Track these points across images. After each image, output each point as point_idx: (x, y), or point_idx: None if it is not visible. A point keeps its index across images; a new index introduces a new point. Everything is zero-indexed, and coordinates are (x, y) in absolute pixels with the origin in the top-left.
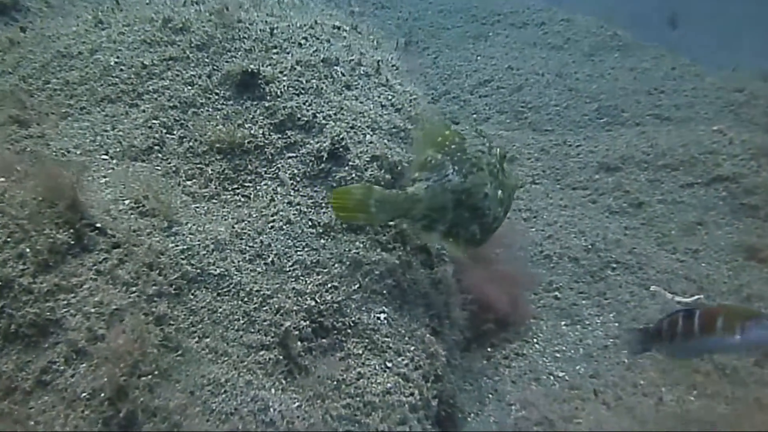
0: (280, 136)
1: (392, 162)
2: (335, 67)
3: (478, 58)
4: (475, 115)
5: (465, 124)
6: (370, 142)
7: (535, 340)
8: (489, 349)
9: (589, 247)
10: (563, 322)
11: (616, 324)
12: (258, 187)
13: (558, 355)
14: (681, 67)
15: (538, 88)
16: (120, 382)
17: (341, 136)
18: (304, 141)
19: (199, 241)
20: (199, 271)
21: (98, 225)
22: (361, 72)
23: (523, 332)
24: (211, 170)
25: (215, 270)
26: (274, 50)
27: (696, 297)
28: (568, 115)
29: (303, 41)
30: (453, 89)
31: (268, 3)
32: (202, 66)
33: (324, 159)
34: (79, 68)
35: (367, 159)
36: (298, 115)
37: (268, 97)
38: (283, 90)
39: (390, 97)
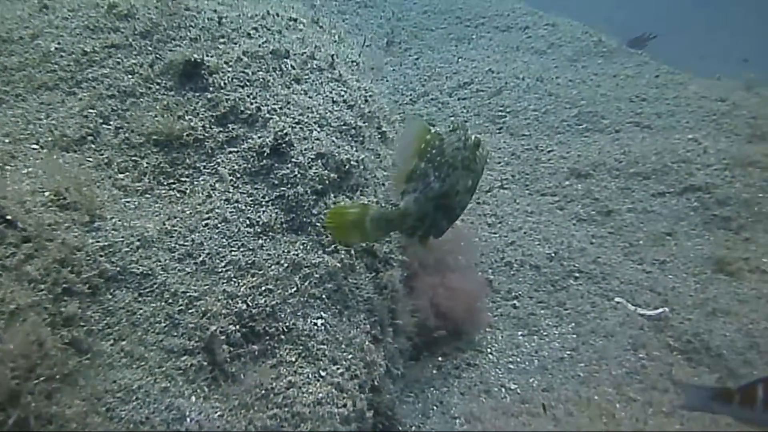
0: (221, 129)
1: (339, 160)
2: (285, 60)
3: (459, 60)
4: (452, 118)
5: (442, 126)
6: (317, 139)
7: (489, 350)
8: (440, 359)
9: (552, 255)
10: (520, 332)
11: (574, 335)
12: (195, 183)
13: (511, 366)
14: (664, 75)
15: (517, 92)
16: (12, 386)
17: (285, 132)
18: (247, 135)
19: (123, 237)
20: (119, 269)
21: (8, 217)
22: (313, 66)
23: (478, 341)
24: (146, 163)
25: (138, 269)
26: (221, 40)
27: (660, 310)
28: (546, 121)
29: (252, 32)
30: (432, 91)
31: None
32: (145, 54)
33: (266, 155)
34: (18, 54)
35: (312, 156)
36: (242, 108)
37: (211, 89)
38: (227, 81)
39: (342, 93)
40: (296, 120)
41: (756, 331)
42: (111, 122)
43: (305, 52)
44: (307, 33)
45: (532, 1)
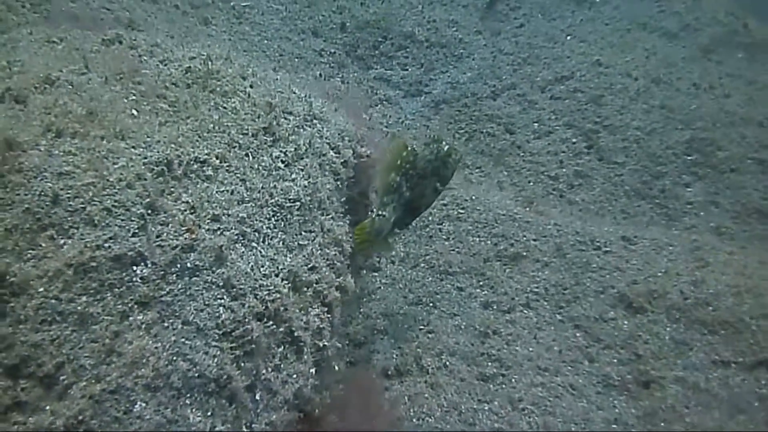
0: (9, 386)
1: None
2: (133, 269)
3: (567, 39)
4: (536, 124)
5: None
6: (137, 417)
7: None
8: None
9: None
10: None
11: None
12: None
13: None
14: None
15: (622, 100)
16: None
17: (80, 417)
18: (38, 406)
19: None
20: None
21: None
22: (185, 267)
23: None
24: None
25: None
26: (47, 233)
27: None
28: (648, 146)
29: (101, 216)
30: (521, 82)
31: (120, 105)
32: None
33: None
34: None
35: None
36: (36, 362)
37: (9, 320)
38: (31, 312)
39: (218, 313)
40: (113, 386)
41: None
42: None
43: (177, 244)
44: (213, 189)
45: None
